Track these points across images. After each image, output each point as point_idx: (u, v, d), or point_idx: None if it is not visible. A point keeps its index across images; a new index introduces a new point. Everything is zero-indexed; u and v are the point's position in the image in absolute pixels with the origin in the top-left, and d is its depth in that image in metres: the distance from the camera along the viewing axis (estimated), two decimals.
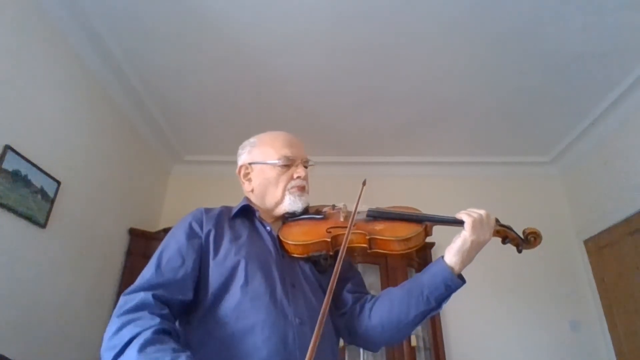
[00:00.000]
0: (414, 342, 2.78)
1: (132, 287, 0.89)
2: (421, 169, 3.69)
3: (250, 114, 3.06)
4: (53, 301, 2.18)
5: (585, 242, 3.27)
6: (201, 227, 1.00)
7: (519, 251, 1.02)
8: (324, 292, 1.02)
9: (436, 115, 3.08)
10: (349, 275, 1.11)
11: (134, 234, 3.02)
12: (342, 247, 0.88)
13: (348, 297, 1.05)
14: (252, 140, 1.20)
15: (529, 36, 2.33)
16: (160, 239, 3.08)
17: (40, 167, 2.07)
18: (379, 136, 3.36)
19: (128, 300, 0.85)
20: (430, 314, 0.96)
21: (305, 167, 1.14)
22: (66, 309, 2.29)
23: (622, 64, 2.53)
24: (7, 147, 1.87)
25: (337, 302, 1.05)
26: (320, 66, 2.60)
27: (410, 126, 3.23)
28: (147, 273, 0.91)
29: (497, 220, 0.99)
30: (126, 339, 0.77)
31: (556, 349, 3.06)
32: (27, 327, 2.00)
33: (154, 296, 0.85)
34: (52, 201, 2.16)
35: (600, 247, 3.12)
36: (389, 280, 2.95)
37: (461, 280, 0.93)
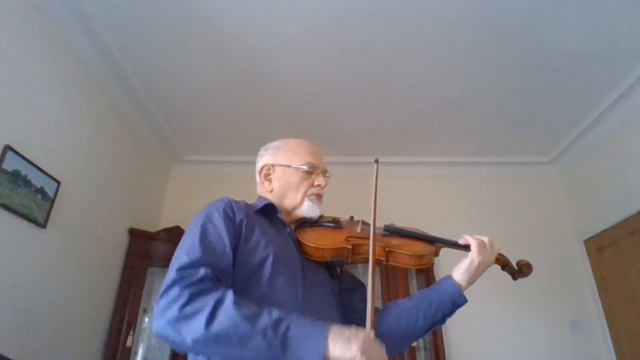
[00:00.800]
0: (414, 342, 2.78)
1: (182, 263, 0.86)
2: (421, 169, 3.69)
3: (250, 114, 3.06)
4: (53, 301, 2.18)
5: (585, 242, 3.28)
6: (234, 214, 1.00)
7: (514, 279, 1.15)
8: (335, 298, 1.07)
9: (436, 115, 3.09)
10: (355, 286, 1.16)
11: (134, 234, 3.02)
12: (370, 252, 0.95)
13: (359, 306, 1.08)
14: (276, 143, 1.22)
15: (529, 36, 2.33)
16: (160, 239, 3.07)
17: (40, 167, 2.07)
18: (379, 136, 3.36)
19: (189, 273, 0.84)
20: (433, 327, 1.05)
21: (325, 177, 1.18)
22: (66, 309, 2.29)
23: (622, 64, 2.53)
24: (7, 147, 1.87)
25: (347, 310, 1.08)
26: (320, 66, 2.60)
27: (410, 126, 3.23)
28: (194, 253, 0.88)
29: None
30: (211, 303, 0.79)
31: (556, 349, 3.06)
32: (27, 327, 2.00)
33: (214, 271, 0.87)
34: (52, 201, 2.16)
35: (600, 247, 3.13)
36: (389, 281, 2.97)
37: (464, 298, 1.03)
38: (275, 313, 0.80)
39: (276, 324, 0.78)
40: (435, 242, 1.09)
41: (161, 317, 0.79)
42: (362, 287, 1.18)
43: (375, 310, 1.08)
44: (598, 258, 3.15)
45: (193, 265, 0.86)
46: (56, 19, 2.18)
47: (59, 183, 2.20)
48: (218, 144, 3.49)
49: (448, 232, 1.16)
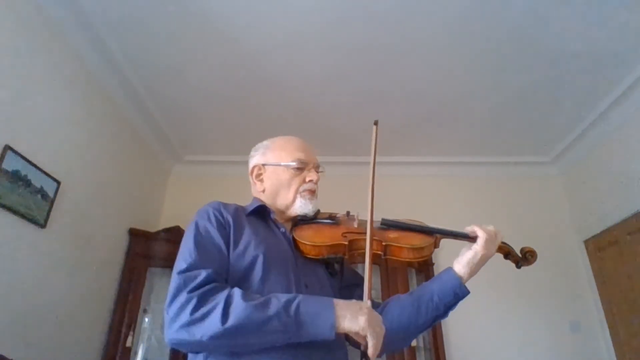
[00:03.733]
0: (414, 342, 2.78)
1: (182, 267, 0.88)
2: (421, 169, 3.69)
3: (250, 114, 3.06)
4: (53, 301, 2.18)
5: (585, 242, 3.27)
6: (223, 217, 1.02)
7: (518, 267, 1.11)
8: (335, 295, 1.03)
9: (436, 115, 3.09)
10: (356, 281, 1.15)
11: (134, 234, 3.02)
12: (367, 248, 0.93)
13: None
14: (265, 142, 1.22)
15: (529, 36, 2.33)
16: (161, 239, 3.07)
17: (40, 167, 2.07)
18: (379, 136, 3.36)
19: (192, 276, 0.86)
20: (436, 321, 1.02)
21: (317, 172, 1.16)
22: (66, 309, 2.29)
23: (622, 64, 2.53)
24: (7, 147, 1.87)
25: None
26: (320, 66, 2.60)
27: (410, 126, 3.23)
28: (190, 256, 0.90)
29: None
30: (221, 302, 0.81)
31: (556, 349, 3.06)
32: (27, 327, 2.00)
33: (214, 272, 0.88)
34: (52, 201, 2.16)
35: (600, 247, 3.12)
36: (389, 280, 2.96)
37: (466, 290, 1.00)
38: (283, 296, 0.84)
39: (287, 305, 0.82)
40: (435, 233, 1.06)
41: (173, 324, 0.82)
42: (362, 282, 1.17)
43: (376, 305, 1.07)
44: (598, 258, 3.14)
45: (193, 268, 0.88)
46: (56, 19, 2.18)
47: (59, 183, 2.20)
48: (218, 144, 3.49)
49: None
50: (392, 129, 3.26)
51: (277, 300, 0.83)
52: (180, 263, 0.90)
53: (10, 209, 1.89)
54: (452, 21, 2.24)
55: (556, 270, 3.27)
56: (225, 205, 1.06)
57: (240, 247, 0.97)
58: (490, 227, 1.02)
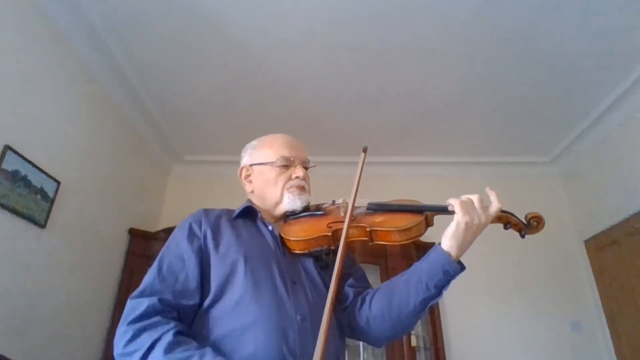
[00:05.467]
0: (414, 342, 2.77)
1: (136, 291, 0.91)
2: (421, 169, 3.69)
3: (250, 114, 3.06)
4: (53, 301, 2.18)
5: (586, 242, 3.27)
6: (200, 228, 1.02)
7: (522, 236, 1.00)
8: (327, 289, 1.00)
9: (436, 115, 3.08)
10: (351, 271, 1.12)
11: (134, 234, 3.02)
12: (342, 238, 0.89)
13: (349, 291, 1.06)
14: (253, 143, 1.22)
15: (530, 37, 2.33)
16: (160, 239, 3.09)
17: (40, 167, 2.07)
18: (379, 136, 3.36)
19: (135, 306, 0.87)
20: (431, 302, 0.94)
21: (305, 168, 1.15)
22: (66, 309, 2.29)
23: (622, 64, 2.53)
24: (7, 147, 1.87)
25: (338, 297, 1.05)
26: (320, 66, 2.60)
27: (410, 126, 3.23)
28: (149, 278, 0.93)
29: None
30: (147, 344, 0.81)
31: (556, 349, 3.06)
32: (27, 327, 2.00)
33: (160, 300, 0.88)
34: (52, 201, 2.16)
35: (600, 247, 3.12)
36: (389, 278, 2.96)
37: (460, 266, 0.92)
38: (208, 356, 0.79)
39: None
40: (425, 211, 0.98)
41: (114, 350, 0.87)
42: (359, 271, 1.16)
43: (367, 292, 1.04)
44: (598, 258, 3.14)
45: (143, 295, 0.90)
46: (56, 19, 2.17)
47: (59, 183, 2.20)
48: (218, 144, 3.49)
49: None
50: (392, 129, 3.26)
51: None
52: (140, 284, 0.92)
53: (10, 209, 1.89)
54: (452, 22, 2.24)
55: (556, 270, 3.27)
56: (207, 214, 1.06)
57: (221, 252, 0.97)
58: (471, 195, 0.94)
